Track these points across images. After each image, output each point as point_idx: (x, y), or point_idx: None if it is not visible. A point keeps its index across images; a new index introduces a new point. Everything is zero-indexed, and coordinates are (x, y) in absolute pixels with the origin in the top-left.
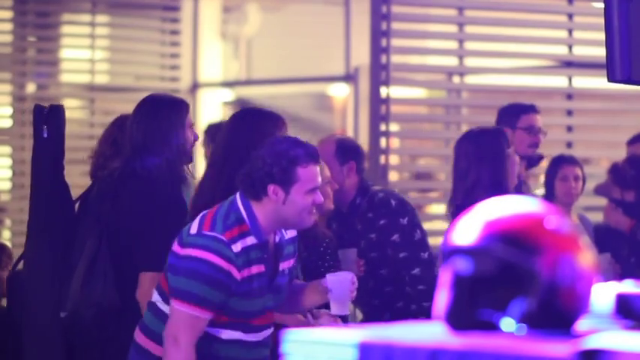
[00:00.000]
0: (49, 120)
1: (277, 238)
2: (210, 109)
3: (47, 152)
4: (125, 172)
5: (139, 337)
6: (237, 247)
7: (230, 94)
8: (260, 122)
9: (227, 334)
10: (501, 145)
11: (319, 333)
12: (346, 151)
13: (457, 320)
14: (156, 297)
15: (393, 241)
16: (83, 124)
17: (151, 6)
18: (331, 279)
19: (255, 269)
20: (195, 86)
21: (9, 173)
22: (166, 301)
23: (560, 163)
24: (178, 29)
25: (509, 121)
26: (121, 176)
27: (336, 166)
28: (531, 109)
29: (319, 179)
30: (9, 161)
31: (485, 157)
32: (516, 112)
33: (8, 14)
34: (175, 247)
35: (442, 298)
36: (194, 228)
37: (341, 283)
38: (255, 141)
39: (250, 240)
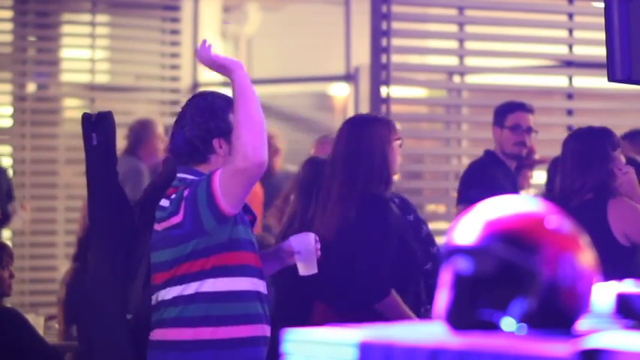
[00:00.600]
0: (97, 127)
1: None
2: None
3: (99, 159)
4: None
5: (167, 334)
6: None
7: (230, 94)
8: (377, 129)
9: (244, 284)
10: (606, 146)
11: (319, 333)
12: None
13: (457, 320)
14: (189, 288)
15: None
16: None
17: (151, 6)
18: (296, 240)
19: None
20: (195, 86)
21: (9, 173)
22: (181, 283)
23: None
24: (178, 29)
25: (498, 120)
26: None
27: None
28: (519, 108)
29: None
30: (9, 161)
31: (592, 157)
32: (504, 111)
33: (8, 14)
34: (172, 221)
35: (442, 298)
36: (165, 202)
37: (306, 243)
38: (375, 148)
39: None
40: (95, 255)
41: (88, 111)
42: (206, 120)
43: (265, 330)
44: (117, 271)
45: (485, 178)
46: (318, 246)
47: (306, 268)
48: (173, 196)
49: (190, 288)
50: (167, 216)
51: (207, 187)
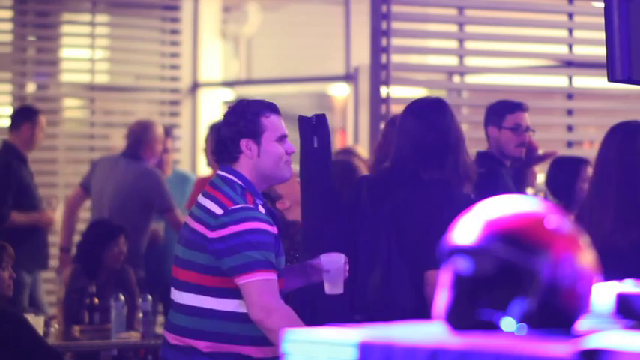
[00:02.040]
0: (317, 130)
1: None
2: (211, 109)
3: (318, 162)
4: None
5: (217, 348)
6: (262, 210)
7: (230, 94)
8: (447, 111)
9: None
10: None
11: (319, 333)
12: None
13: (457, 320)
14: (210, 301)
15: None
16: (83, 124)
17: (151, 5)
18: (327, 259)
19: (276, 228)
20: (195, 86)
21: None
22: (210, 294)
23: (582, 164)
24: (178, 29)
25: (495, 121)
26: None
27: None
28: (518, 108)
29: (285, 129)
30: None
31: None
32: (502, 112)
33: (8, 14)
34: (209, 234)
35: (442, 298)
36: (217, 210)
37: (337, 262)
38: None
39: (260, 201)
40: (310, 253)
41: (87, 111)
42: (236, 121)
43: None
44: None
45: (501, 186)
46: (347, 267)
47: (332, 288)
48: (210, 203)
49: (229, 305)
50: (205, 225)
51: (246, 266)
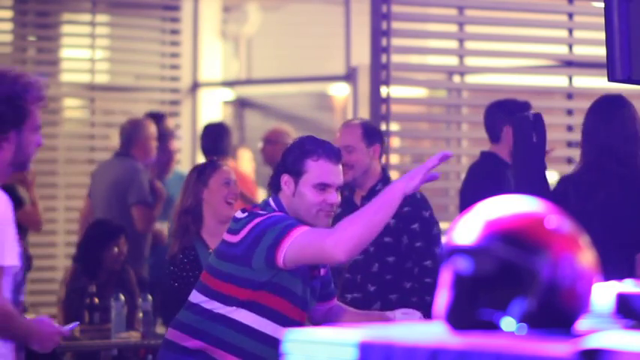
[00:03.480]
0: (536, 127)
1: None
2: (210, 109)
3: (536, 155)
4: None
5: (214, 353)
6: None
7: (230, 94)
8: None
9: (267, 327)
10: None
11: (319, 333)
12: (372, 133)
13: (457, 320)
14: (225, 309)
15: (413, 229)
16: (83, 124)
17: (151, 5)
18: (402, 314)
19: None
20: (195, 86)
21: None
22: (215, 298)
23: None
24: (178, 29)
25: (507, 119)
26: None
27: (362, 148)
28: (528, 107)
29: (335, 179)
30: None
31: None
32: (517, 110)
33: (8, 14)
34: (232, 238)
35: (442, 298)
36: (240, 214)
37: (412, 319)
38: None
39: None
40: None
41: (87, 111)
42: (285, 154)
43: None
44: None
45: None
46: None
47: None
48: (245, 214)
49: (222, 309)
50: (231, 231)
51: (279, 234)
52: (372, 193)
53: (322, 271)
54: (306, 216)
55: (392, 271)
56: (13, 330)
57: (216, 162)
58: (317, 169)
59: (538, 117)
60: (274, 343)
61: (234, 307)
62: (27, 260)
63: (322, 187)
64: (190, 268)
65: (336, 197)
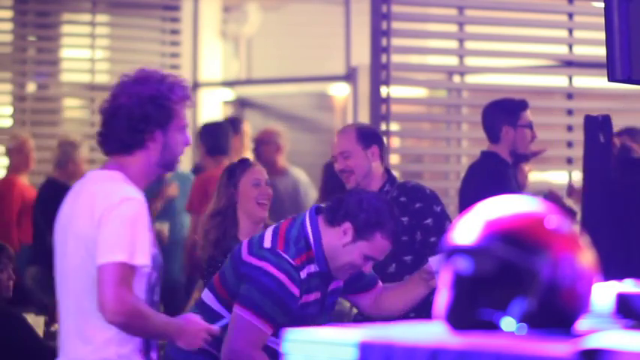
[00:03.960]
0: (603, 127)
1: None
2: (210, 109)
3: (603, 155)
4: None
5: None
6: (303, 274)
7: (230, 94)
8: None
9: (272, 341)
10: None
11: (319, 333)
12: (367, 135)
13: (457, 320)
14: (208, 295)
15: (426, 225)
16: (83, 124)
17: (151, 5)
18: (435, 260)
19: (313, 297)
20: (195, 86)
21: None
22: (221, 302)
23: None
24: (178, 29)
25: (510, 120)
26: None
27: (359, 151)
28: (526, 105)
29: (382, 256)
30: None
31: None
32: (516, 110)
33: (8, 14)
34: (246, 256)
35: (442, 298)
36: (267, 242)
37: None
38: None
39: (314, 267)
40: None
41: (87, 111)
42: (359, 208)
43: None
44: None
45: (507, 186)
46: None
47: None
48: (269, 246)
49: (216, 305)
50: (249, 245)
51: (242, 301)
52: (381, 194)
53: (333, 284)
54: (336, 266)
55: (410, 271)
56: (147, 329)
57: (247, 161)
58: (378, 244)
59: (606, 118)
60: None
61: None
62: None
63: (371, 258)
64: None
65: (370, 268)
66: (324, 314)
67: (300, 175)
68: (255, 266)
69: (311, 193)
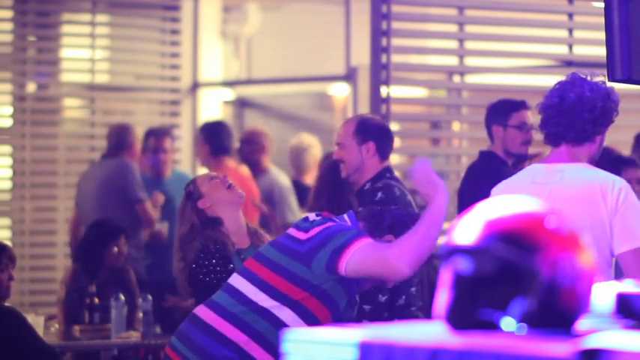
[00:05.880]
0: None
1: None
2: (210, 109)
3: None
4: None
5: (249, 345)
6: None
7: (230, 94)
8: None
9: (297, 326)
10: None
11: (319, 333)
12: (366, 130)
13: (457, 320)
14: (270, 303)
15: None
16: (83, 124)
17: (151, 5)
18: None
19: None
20: (195, 86)
21: (9, 173)
22: (287, 305)
23: (619, 165)
24: (178, 29)
25: (499, 119)
26: None
27: (352, 145)
28: (522, 106)
29: None
30: (9, 161)
31: None
32: (507, 110)
33: (8, 14)
34: (303, 235)
35: (442, 298)
36: (312, 216)
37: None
38: None
39: None
40: None
41: (87, 111)
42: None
43: None
44: None
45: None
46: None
47: None
48: (319, 217)
49: (266, 302)
50: (299, 228)
51: (345, 241)
52: (360, 193)
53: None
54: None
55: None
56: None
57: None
58: None
59: None
60: None
61: (279, 304)
62: None
63: None
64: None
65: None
66: (345, 315)
67: (280, 178)
68: (323, 228)
69: (288, 198)
